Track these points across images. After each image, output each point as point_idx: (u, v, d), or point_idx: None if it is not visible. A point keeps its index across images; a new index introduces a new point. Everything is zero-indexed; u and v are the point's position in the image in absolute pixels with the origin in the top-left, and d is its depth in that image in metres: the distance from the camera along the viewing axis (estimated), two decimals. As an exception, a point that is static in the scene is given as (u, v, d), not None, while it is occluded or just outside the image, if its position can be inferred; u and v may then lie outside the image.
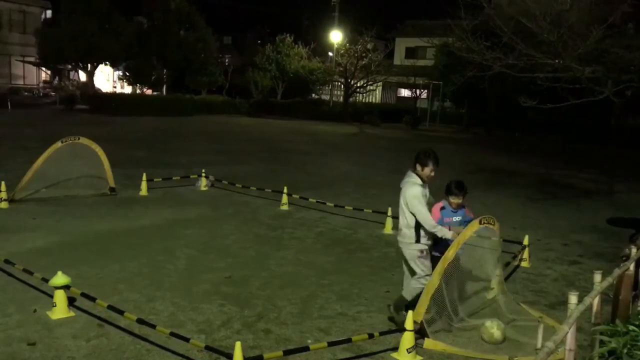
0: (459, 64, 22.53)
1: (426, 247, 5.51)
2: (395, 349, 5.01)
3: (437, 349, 5.09)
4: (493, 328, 5.25)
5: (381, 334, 5.07)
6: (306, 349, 4.75)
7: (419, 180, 5.49)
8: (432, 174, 5.50)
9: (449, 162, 19.47)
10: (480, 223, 5.51)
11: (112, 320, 5.33)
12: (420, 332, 5.16)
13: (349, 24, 41.49)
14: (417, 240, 5.47)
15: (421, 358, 4.98)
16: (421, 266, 5.48)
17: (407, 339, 4.89)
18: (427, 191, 5.60)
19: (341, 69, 38.07)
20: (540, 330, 3.50)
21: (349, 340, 4.97)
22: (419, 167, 5.50)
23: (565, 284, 7.20)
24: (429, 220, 5.39)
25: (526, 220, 10.82)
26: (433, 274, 5.28)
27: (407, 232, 5.50)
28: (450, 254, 5.24)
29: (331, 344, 4.82)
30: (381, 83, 41.84)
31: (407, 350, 4.90)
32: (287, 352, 4.56)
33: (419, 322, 5.12)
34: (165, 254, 7.51)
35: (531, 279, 7.33)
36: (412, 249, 5.51)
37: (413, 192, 5.42)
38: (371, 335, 4.98)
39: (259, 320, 5.61)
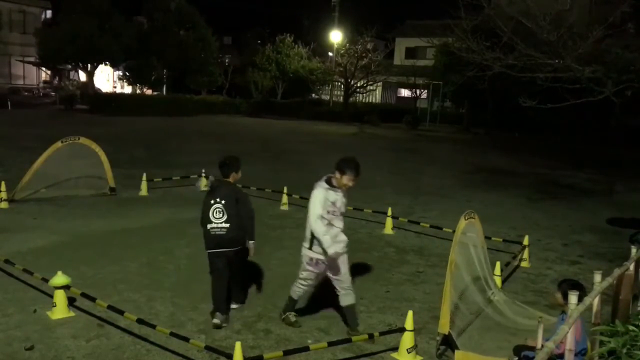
0: (459, 64, 22.50)
1: (318, 257, 5.18)
2: (395, 349, 5.01)
3: None
4: None
5: (381, 334, 5.07)
6: (306, 349, 4.75)
7: (326, 185, 5.18)
8: (350, 183, 5.17)
9: (449, 162, 19.52)
10: (465, 219, 5.57)
11: (112, 320, 5.33)
12: (449, 344, 5.02)
13: (349, 24, 41.54)
14: (310, 247, 5.22)
15: (421, 358, 4.98)
16: (303, 272, 5.32)
17: (407, 339, 4.89)
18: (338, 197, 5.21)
19: (341, 69, 38.06)
20: (540, 330, 3.50)
21: (349, 340, 4.97)
22: (337, 174, 5.19)
23: (565, 284, 7.20)
24: (314, 224, 5.10)
25: (526, 220, 10.82)
26: (445, 283, 5.05)
27: (307, 235, 5.26)
28: (452, 256, 5.14)
29: (331, 343, 4.83)
30: (381, 83, 41.85)
31: (407, 350, 4.90)
32: (287, 352, 4.57)
33: (447, 333, 4.97)
34: (165, 254, 7.52)
35: (531, 279, 7.33)
36: (304, 254, 5.30)
37: (314, 193, 5.18)
38: (371, 336, 4.98)
39: (259, 320, 5.61)
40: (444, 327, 4.97)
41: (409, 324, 4.88)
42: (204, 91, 40.74)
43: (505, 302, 6.16)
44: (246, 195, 5.74)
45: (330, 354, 4.97)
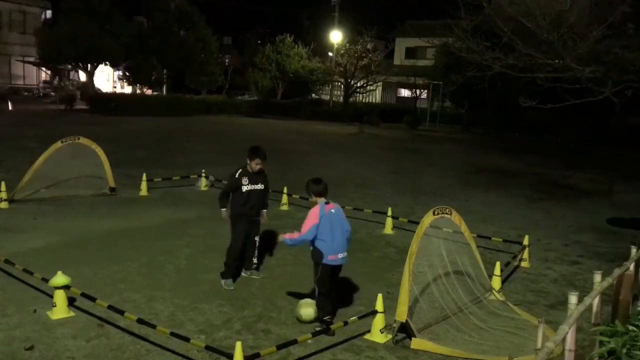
0: (459, 64, 22.50)
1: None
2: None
3: (424, 348, 5.07)
4: (302, 307, 5.51)
5: (360, 317, 5.31)
6: (295, 341, 4.81)
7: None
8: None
9: (449, 162, 19.52)
10: (434, 214, 5.63)
11: (112, 320, 5.34)
12: (406, 331, 5.18)
13: (349, 24, 41.52)
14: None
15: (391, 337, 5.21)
16: None
17: (379, 320, 5.23)
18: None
19: (341, 69, 38.05)
20: (541, 330, 3.50)
21: (327, 330, 5.16)
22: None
23: (565, 284, 7.20)
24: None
25: (526, 220, 10.82)
26: (404, 273, 5.26)
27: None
28: (413, 248, 5.31)
29: (315, 334, 5.06)
30: (381, 83, 41.82)
31: (380, 330, 5.24)
32: (279, 347, 4.67)
33: (404, 321, 5.13)
34: (165, 254, 7.52)
35: (531, 279, 7.33)
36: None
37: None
38: (345, 323, 5.22)
39: (258, 320, 5.61)
40: (401, 315, 5.15)
41: (379, 306, 5.21)
42: (204, 91, 40.75)
43: (497, 307, 6.12)
44: (229, 177, 6.59)
45: (331, 355, 4.99)
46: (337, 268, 5.57)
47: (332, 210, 5.49)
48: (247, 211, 6.46)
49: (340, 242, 5.45)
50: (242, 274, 6.78)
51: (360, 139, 26.37)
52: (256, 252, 6.78)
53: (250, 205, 6.48)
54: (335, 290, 5.70)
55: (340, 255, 5.46)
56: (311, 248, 5.48)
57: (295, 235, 5.46)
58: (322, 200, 5.53)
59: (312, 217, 5.37)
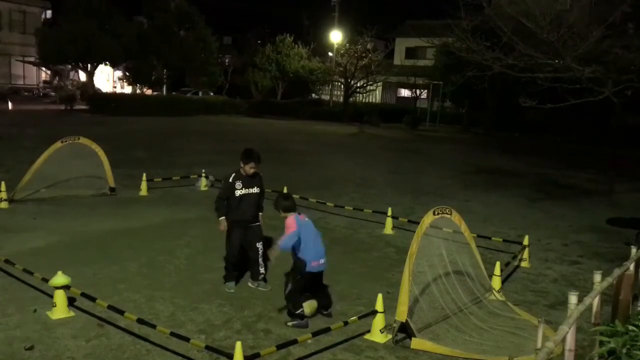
0: (459, 64, 22.49)
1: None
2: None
3: (424, 348, 5.07)
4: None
5: (360, 317, 5.28)
6: (295, 341, 4.79)
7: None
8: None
9: (449, 162, 19.53)
10: (434, 214, 5.65)
11: (112, 320, 5.34)
12: (406, 331, 5.18)
13: (349, 24, 41.55)
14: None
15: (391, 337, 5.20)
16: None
17: (379, 320, 5.23)
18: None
19: (341, 69, 38.06)
20: (541, 330, 3.50)
21: (328, 329, 5.09)
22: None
23: (565, 284, 7.20)
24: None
25: (526, 220, 10.82)
26: (404, 273, 5.27)
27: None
28: (413, 248, 5.31)
29: (315, 333, 5.00)
30: (381, 83, 41.83)
31: (379, 330, 5.24)
32: (279, 347, 4.66)
33: (404, 321, 5.14)
34: (165, 254, 7.52)
35: (531, 279, 7.33)
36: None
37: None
38: (345, 323, 5.20)
39: (259, 320, 5.61)
40: (401, 315, 5.15)
41: (379, 306, 5.21)
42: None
43: (497, 307, 6.12)
44: (223, 181, 6.51)
45: (331, 355, 4.99)
46: (319, 275, 5.65)
47: (306, 219, 5.70)
48: (241, 216, 6.28)
49: (321, 247, 5.61)
50: (249, 284, 6.52)
51: (360, 139, 26.37)
52: (261, 260, 6.46)
53: (244, 209, 6.29)
54: (326, 290, 5.91)
55: (322, 261, 5.58)
56: (294, 259, 5.55)
57: (280, 241, 5.54)
58: (291, 215, 5.66)
59: (291, 225, 5.52)
